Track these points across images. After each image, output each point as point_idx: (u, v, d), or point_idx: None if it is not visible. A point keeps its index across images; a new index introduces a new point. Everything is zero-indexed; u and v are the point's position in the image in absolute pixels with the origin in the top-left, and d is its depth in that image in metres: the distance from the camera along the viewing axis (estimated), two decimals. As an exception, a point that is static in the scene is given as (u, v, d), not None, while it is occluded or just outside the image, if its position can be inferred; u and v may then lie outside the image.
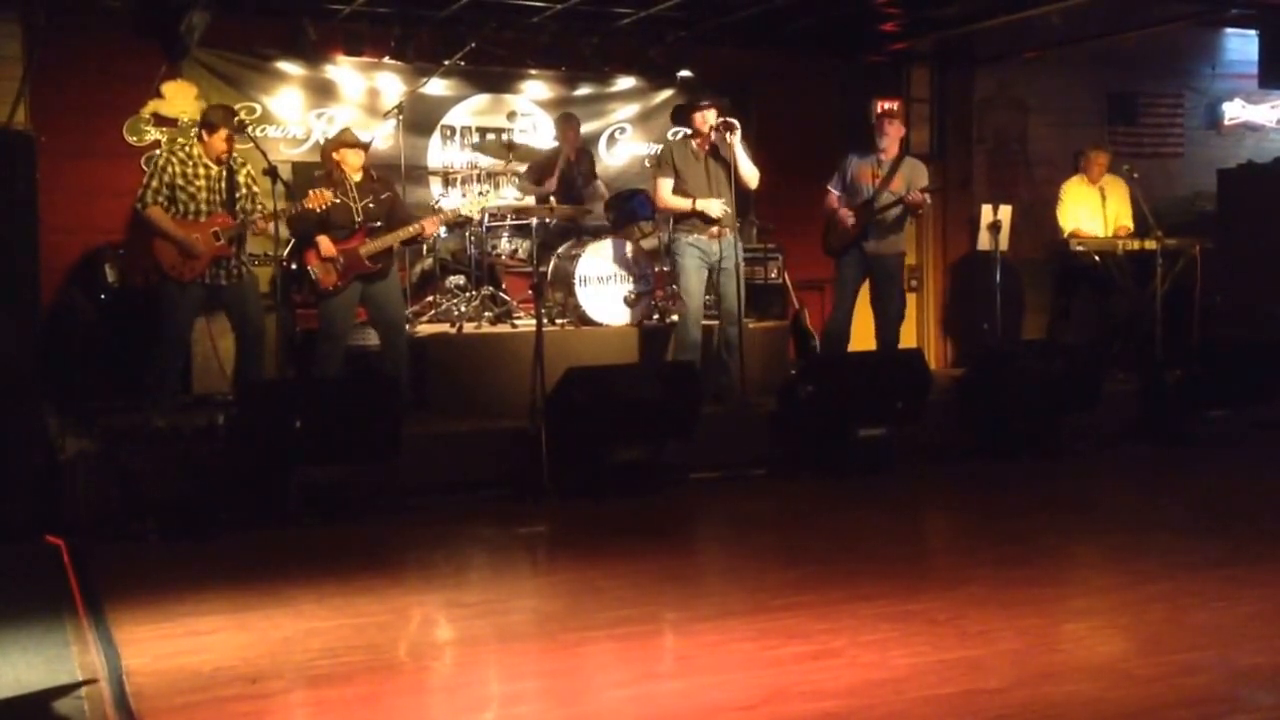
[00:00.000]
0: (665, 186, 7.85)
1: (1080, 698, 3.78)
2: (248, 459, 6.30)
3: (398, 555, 5.84)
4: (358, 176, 7.69)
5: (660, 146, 8.69)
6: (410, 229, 7.69)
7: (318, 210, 7.40)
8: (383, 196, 7.75)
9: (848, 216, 8.34)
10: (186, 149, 7.32)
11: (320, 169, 8.01)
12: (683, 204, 7.78)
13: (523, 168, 9.26)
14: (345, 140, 7.76)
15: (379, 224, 7.63)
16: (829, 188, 8.53)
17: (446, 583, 5.39)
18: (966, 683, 3.90)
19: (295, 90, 9.31)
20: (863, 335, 8.59)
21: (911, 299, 11.22)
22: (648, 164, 9.91)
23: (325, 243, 7.48)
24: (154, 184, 7.17)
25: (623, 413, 6.87)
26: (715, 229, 7.78)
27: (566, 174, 9.29)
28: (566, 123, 9.58)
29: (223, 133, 7.24)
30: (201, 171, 7.24)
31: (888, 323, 8.39)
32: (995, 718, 3.64)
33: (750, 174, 7.79)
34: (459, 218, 8.46)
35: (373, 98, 9.49)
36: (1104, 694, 3.80)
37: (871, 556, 5.62)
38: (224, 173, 7.31)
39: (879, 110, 8.61)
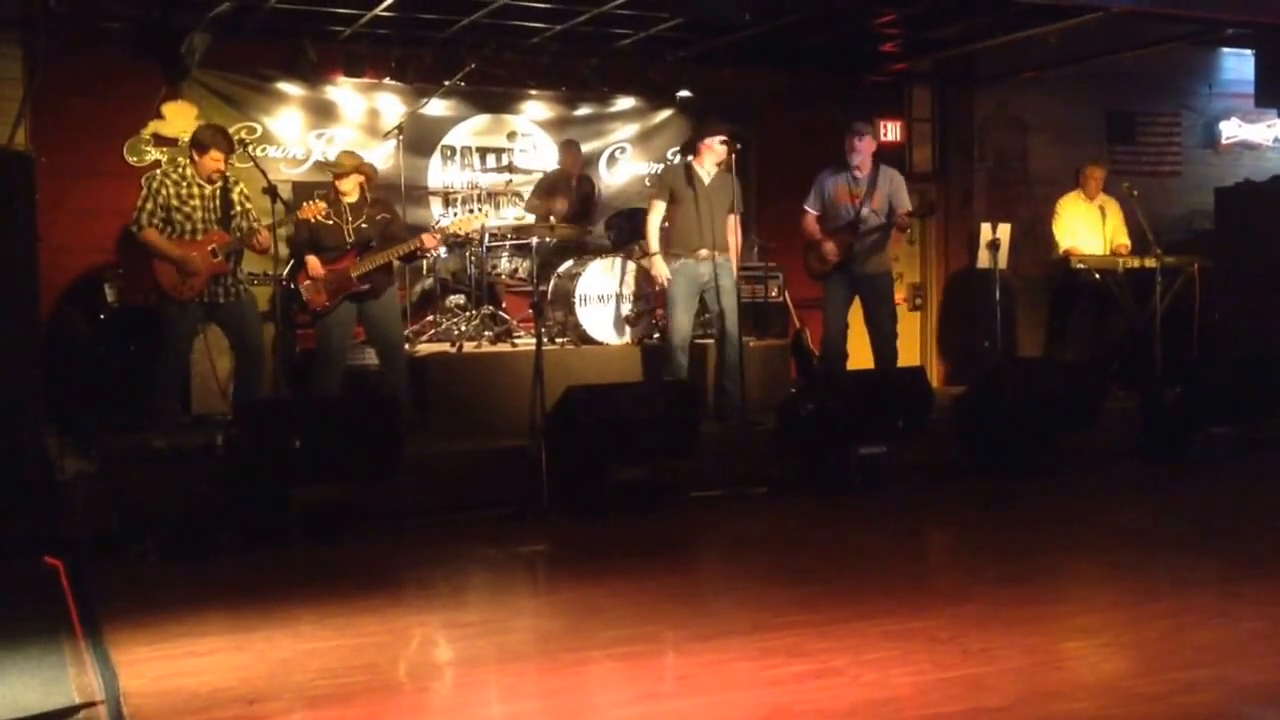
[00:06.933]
0: (656, 210, 7.99)
1: (1082, 715, 3.77)
2: (246, 479, 6.28)
3: (397, 575, 5.82)
4: (353, 199, 7.71)
5: (661, 166, 8.71)
6: (406, 245, 7.69)
7: (311, 220, 7.44)
8: (377, 218, 7.75)
9: (831, 249, 8.30)
10: (180, 169, 7.35)
11: (322, 190, 8.02)
12: (651, 239, 7.97)
13: (524, 189, 9.26)
14: (341, 167, 7.74)
15: (372, 245, 7.63)
16: (806, 208, 8.48)
17: (446, 602, 5.37)
18: (968, 701, 3.88)
19: (295, 111, 9.34)
20: (861, 351, 8.58)
21: (914, 317, 11.24)
22: (648, 183, 9.94)
23: (313, 262, 7.51)
24: (148, 206, 7.20)
25: (623, 431, 6.85)
26: (703, 251, 7.81)
27: (570, 196, 9.33)
28: (568, 148, 9.62)
29: (214, 153, 7.27)
30: (196, 191, 7.27)
31: (884, 341, 8.37)
32: (997, 736, 3.64)
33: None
34: (454, 237, 8.47)
35: (373, 118, 9.52)
36: (1106, 712, 3.79)
37: (872, 575, 5.61)
38: (218, 191, 7.34)
39: (851, 129, 8.49)
